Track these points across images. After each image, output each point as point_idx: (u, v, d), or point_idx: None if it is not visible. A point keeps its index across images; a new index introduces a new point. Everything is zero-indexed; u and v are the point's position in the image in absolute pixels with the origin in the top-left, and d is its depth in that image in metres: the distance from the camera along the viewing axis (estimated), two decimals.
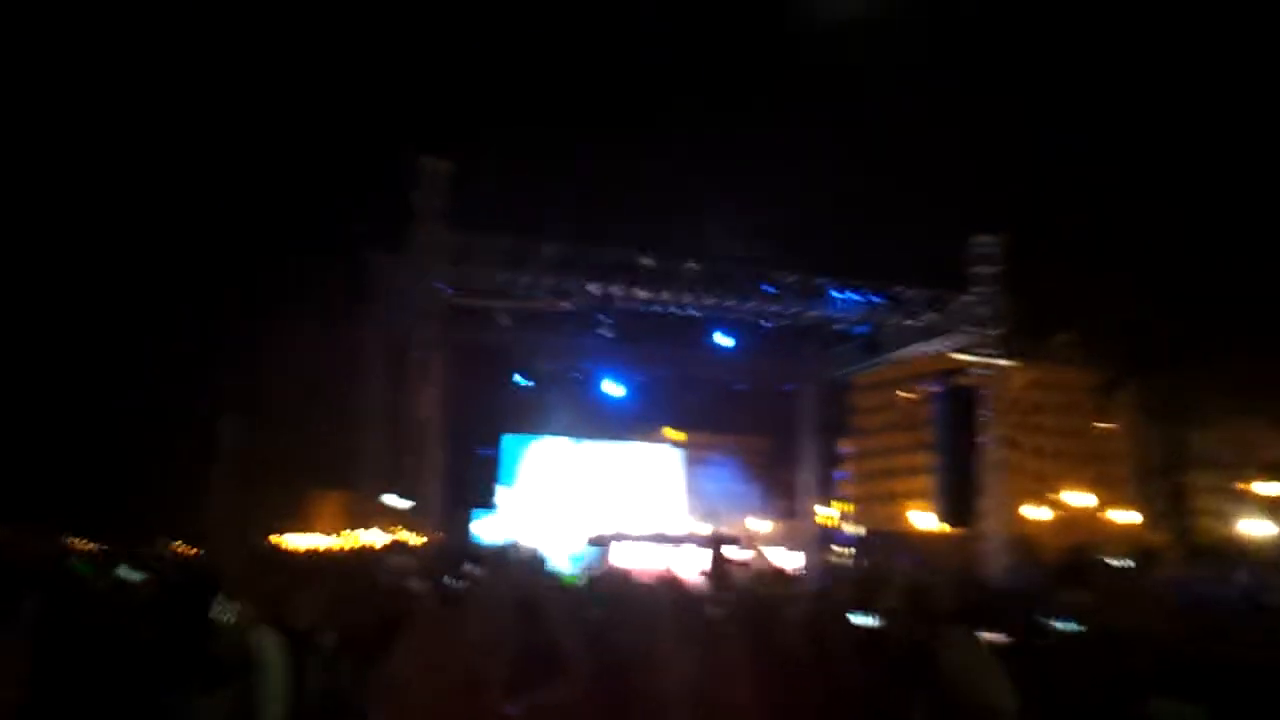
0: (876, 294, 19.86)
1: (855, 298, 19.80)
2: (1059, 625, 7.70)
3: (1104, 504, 50.88)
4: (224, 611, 5.55)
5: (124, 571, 10.25)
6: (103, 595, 7.86)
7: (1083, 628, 7.03)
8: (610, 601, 8.29)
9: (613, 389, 23.61)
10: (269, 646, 5.04)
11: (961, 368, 20.59)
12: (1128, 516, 46.66)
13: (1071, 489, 52.41)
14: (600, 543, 21.08)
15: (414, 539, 17.83)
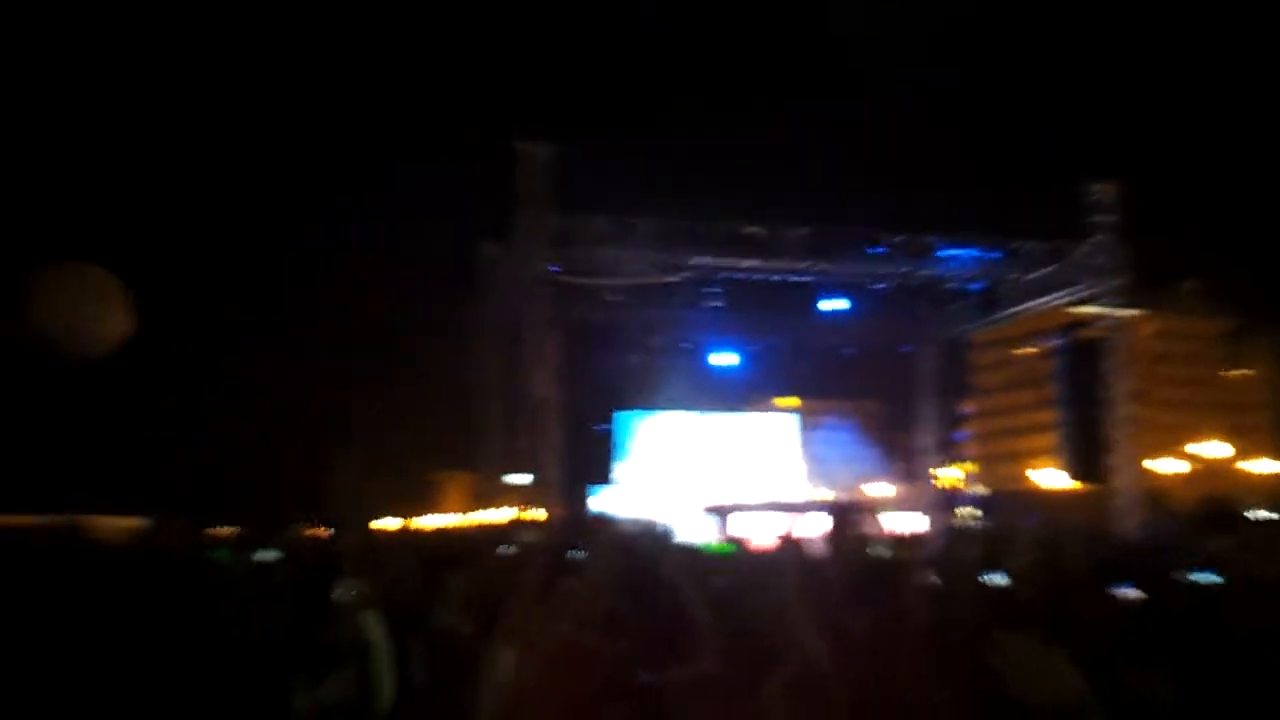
0: (990, 249, 19.45)
1: (968, 253, 19.42)
2: (1198, 578, 7.46)
3: (1240, 454, 48.94)
4: (346, 593, 5.66)
5: (261, 555, 10.65)
6: (240, 581, 8.12)
7: (1225, 579, 6.79)
8: (735, 568, 8.34)
9: (724, 359, 23.61)
10: (374, 627, 5.20)
11: (1084, 320, 20.04)
12: (1267, 466, 44.81)
13: (1205, 440, 50.53)
14: (718, 512, 21.11)
15: (537, 515, 18.16)
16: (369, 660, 4.98)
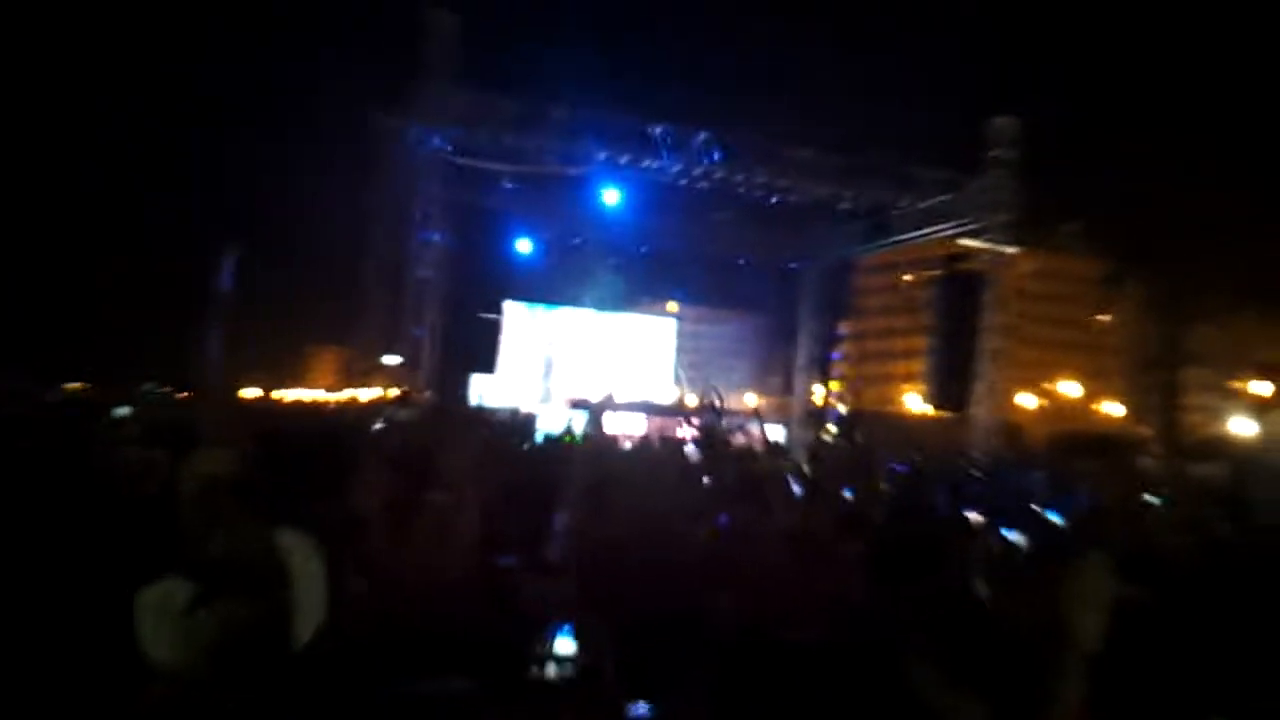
0: (887, 176, 19.61)
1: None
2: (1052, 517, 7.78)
3: (1094, 396, 51.34)
4: (202, 464, 5.23)
5: (118, 411, 10.25)
6: (97, 437, 7.73)
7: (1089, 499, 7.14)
8: (605, 459, 8.40)
9: (612, 259, 23.42)
10: (299, 552, 4.53)
11: (967, 253, 20.46)
12: (1116, 409, 47.15)
13: (1064, 379, 52.80)
14: (587, 407, 21.25)
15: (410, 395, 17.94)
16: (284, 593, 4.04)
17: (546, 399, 23.46)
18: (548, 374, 24.49)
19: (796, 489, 6.82)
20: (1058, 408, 51.14)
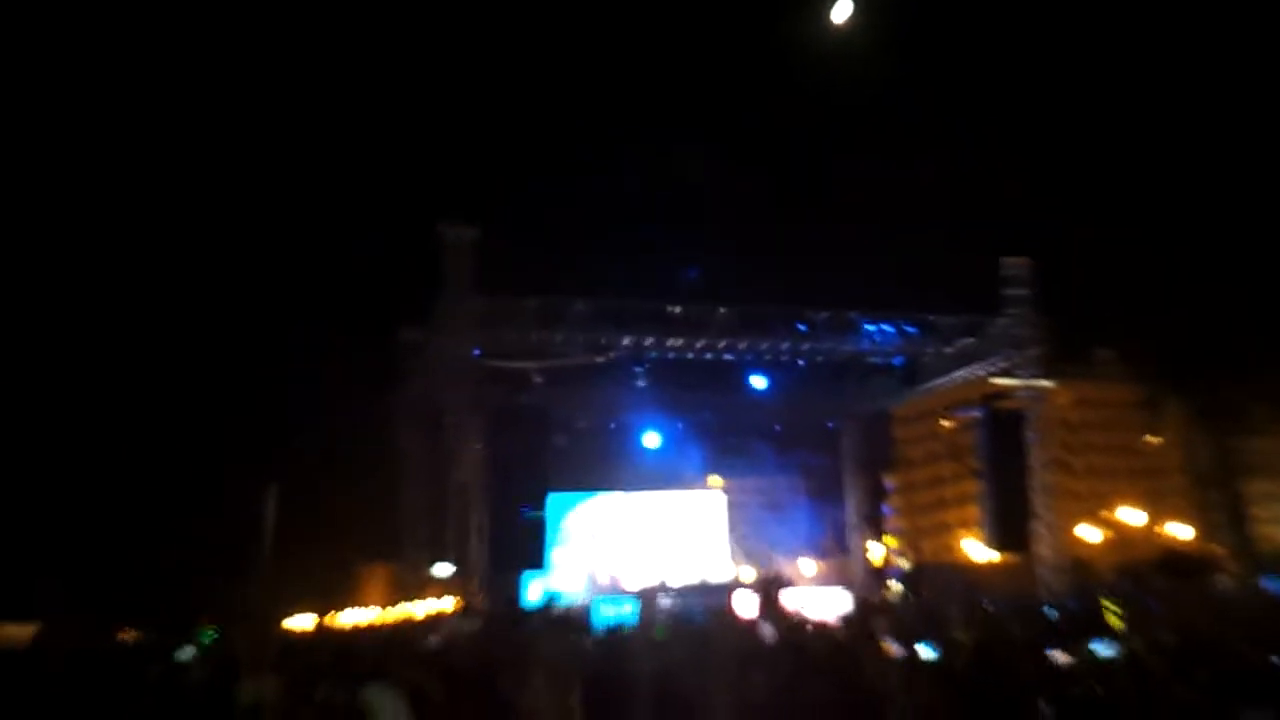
0: (909, 324, 19.76)
1: (888, 329, 19.71)
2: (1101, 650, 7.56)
3: (1158, 519, 49.89)
4: (249, 694, 5.35)
5: (179, 655, 10.21)
6: (149, 683, 7.76)
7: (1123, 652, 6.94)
8: (672, 645, 8.21)
9: (652, 440, 23.55)
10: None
11: (1003, 391, 20.36)
12: (1183, 530, 45.75)
13: (1124, 506, 51.46)
14: (644, 596, 20.94)
15: (466, 605, 17.70)
16: None
17: (599, 587, 23.11)
18: (598, 562, 24.20)
19: (895, 649, 6.68)
20: (1122, 536, 49.66)
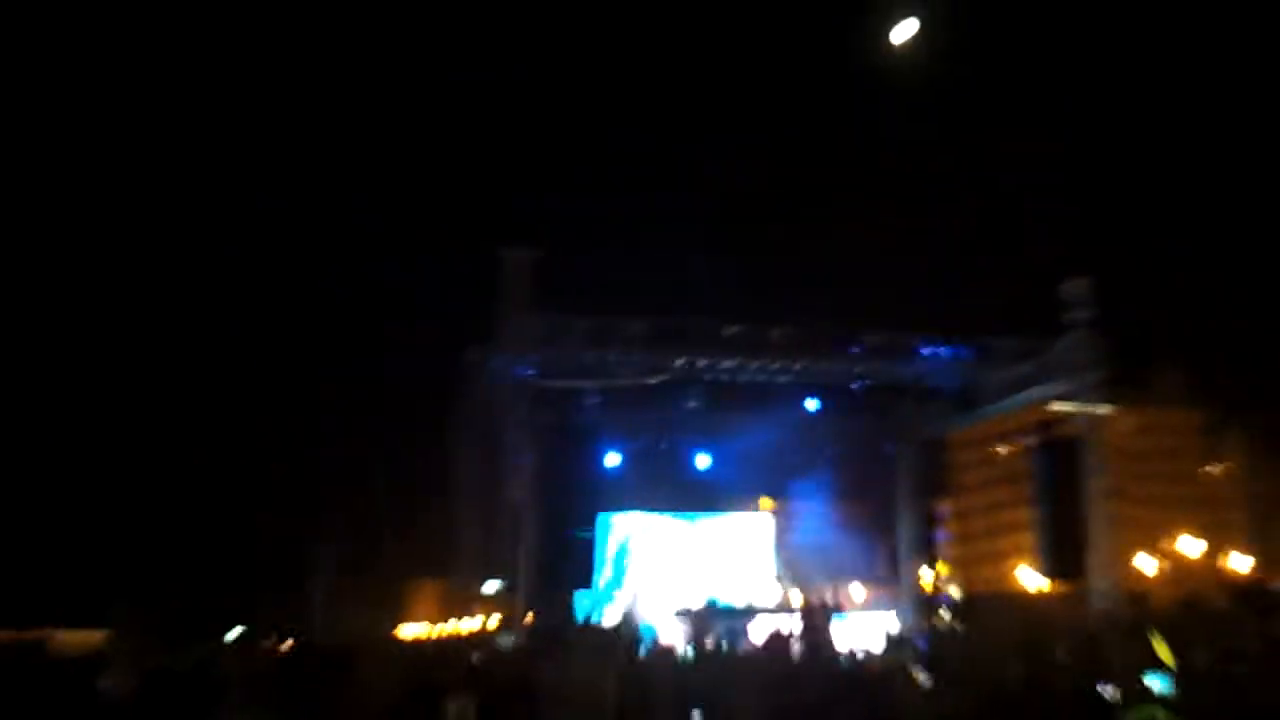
0: (966, 347, 19.60)
1: (944, 353, 19.56)
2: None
3: (1218, 550, 48.79)
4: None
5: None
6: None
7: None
8: (709, 665, 8.22)
9: (704, 461, 23.57)
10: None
11: (1060, 418, 20.09)
12: (1244, 561, 44.70)
13: (1183, 536, 50.40)
14: (689, 617, 20.98)
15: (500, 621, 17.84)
16: None
17: (644, 607, 23.10)
18: (644, 582, 24.20)
19: (923, 679, 6.62)
20: (1181, 568, 48.60)
